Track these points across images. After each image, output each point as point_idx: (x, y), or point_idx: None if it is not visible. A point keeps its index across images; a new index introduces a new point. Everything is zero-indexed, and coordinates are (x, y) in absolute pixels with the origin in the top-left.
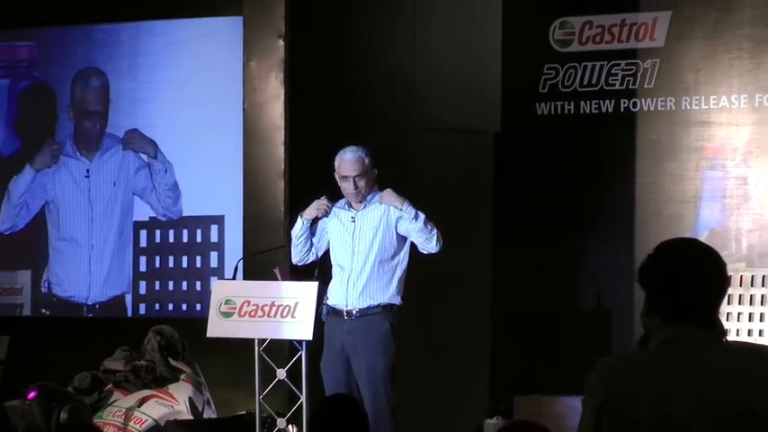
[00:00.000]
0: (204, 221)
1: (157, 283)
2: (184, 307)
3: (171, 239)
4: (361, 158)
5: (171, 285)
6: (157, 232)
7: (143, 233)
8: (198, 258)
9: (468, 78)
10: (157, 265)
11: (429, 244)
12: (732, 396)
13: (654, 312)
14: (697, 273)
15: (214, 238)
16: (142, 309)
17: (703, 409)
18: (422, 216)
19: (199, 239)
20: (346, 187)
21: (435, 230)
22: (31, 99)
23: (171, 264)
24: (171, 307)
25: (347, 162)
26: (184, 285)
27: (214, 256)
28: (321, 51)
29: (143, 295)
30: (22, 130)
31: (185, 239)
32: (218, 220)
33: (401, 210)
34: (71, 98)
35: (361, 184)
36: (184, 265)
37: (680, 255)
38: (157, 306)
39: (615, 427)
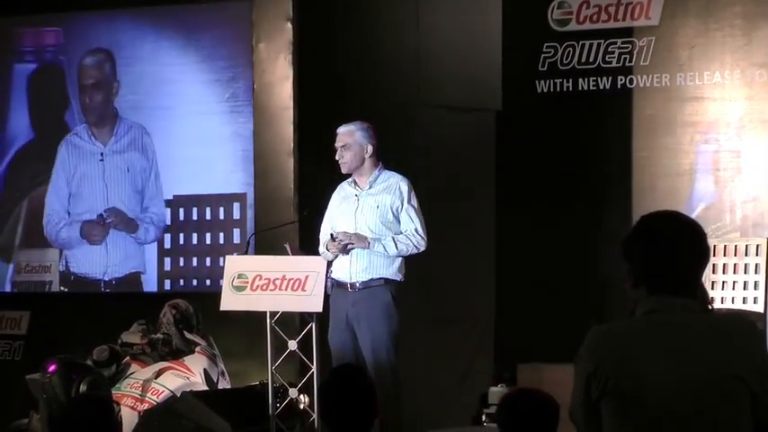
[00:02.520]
0: (226, 199)
1: (182, 260)
2: (208, 282)
3: (194, 217)
4: (351, 132)
5: (195, 261)
6: (181, 210)
7: (167, 211)
8: (221, 235)
9: (470, 58)
10: (181, 241)
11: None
12: (715, 362)
13: (639, 284)
14: (679, 244)
15: (236, 215)
16: (167, 284)
17: (688, 375)
18: (394, 252)
19: (221, 217)
20: (336, 157)
21: (411, 249)
22: (43, 82)
23: (194, 240)
24: (195, 282)
25: (338, 133)
26: (208, 261)
27: (236, 232)
28: (327, 33)
29: (167, 271)
30: (35, 112)
31: (208, 217)
32: (240, 198)
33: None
34: (78, 77)
35: (347, 155)
36: (208, 241)
37: (662, 227)
38: (182, 282)
39: (602, 396)
